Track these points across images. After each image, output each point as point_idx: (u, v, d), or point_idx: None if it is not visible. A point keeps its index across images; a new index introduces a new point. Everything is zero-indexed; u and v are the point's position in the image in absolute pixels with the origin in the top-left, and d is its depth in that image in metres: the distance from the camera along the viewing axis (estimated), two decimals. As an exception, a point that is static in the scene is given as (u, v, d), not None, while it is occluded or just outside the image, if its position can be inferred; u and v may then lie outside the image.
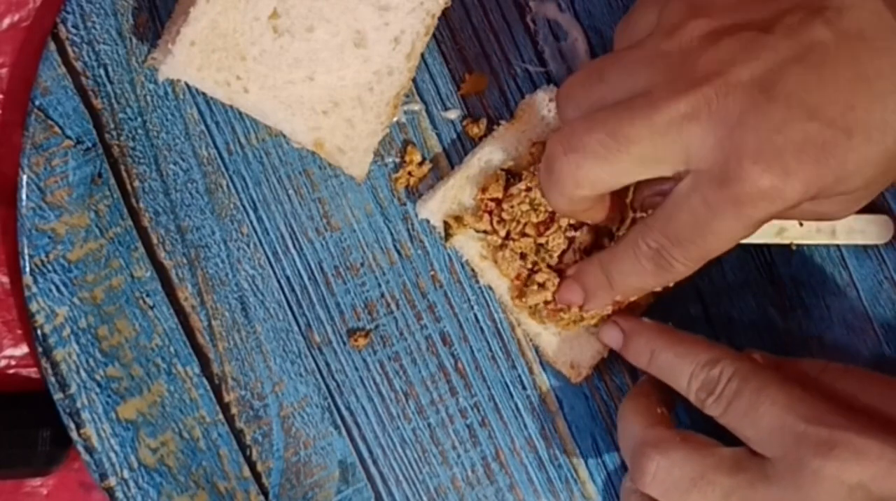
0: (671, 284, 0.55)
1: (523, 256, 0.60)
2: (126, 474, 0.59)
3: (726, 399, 0.53)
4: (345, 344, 0.61)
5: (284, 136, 0.59)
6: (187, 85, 0.59)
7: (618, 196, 0.56)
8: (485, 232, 0.60)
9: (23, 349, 0.61)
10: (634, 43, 0.52)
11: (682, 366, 0.55)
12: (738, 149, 0.48)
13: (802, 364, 0.57)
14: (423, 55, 0.60)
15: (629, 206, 0.57)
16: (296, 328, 0.61)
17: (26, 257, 0.58)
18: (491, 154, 0.60)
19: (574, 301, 0.58)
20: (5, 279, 0.61)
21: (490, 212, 0.59)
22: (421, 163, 0.61)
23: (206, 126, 0.60)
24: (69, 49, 0.58)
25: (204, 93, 0.59)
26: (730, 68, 0.48)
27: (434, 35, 0.60)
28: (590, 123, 0.51)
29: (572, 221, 0.59)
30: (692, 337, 0.57)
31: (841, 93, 0.48)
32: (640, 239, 0.53)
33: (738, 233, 0.50)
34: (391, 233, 0.61)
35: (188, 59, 0.55)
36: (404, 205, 0.61)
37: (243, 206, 0.60)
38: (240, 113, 0.59)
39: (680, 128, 0.49)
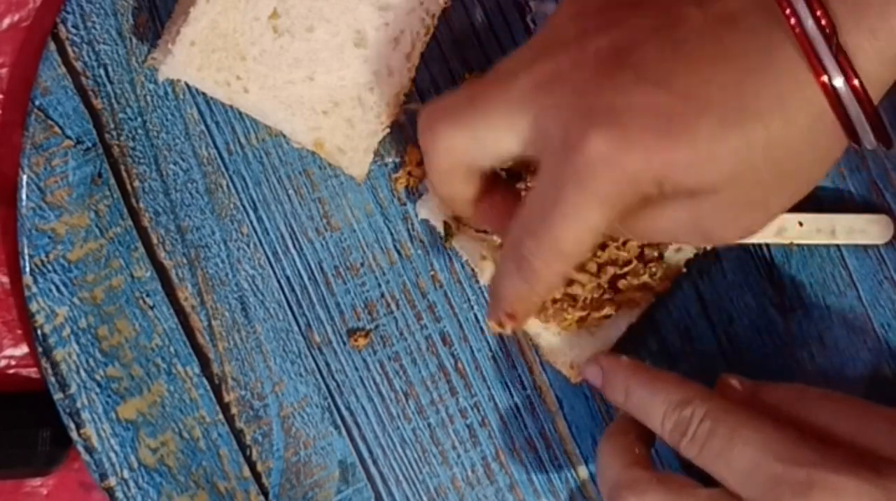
0: (544, 291, 0.50)
1: (523, 256, 0.60)
2: (126, 474, 0.59)
3: (699, 440, 0.50)
4: (345, 344, 0.61)
5: (284, 136, 0.59)
6: (187, 85, 0.59)
7: (512, 196, 0.53)
8: (484, 232, 0.60)
9: (23, 349, 0.61)
10: None
11: (655, 406, 0.53)
12: (581, 115, 0.45)
13: (779, 390, 0.55)
14: (423, 55, 0.60)
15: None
16: (296, 328, 0.61)
17: (26, 257, 0.58)
18: (491, 154, 0.60)
19: (491, 318, 0.53)
20: (5, 279, 0.61)
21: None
22: (421, 163, 0.61)
23: (206, 126, 0.60)
24: (69, 49, 0.58)
25: (204, 93, 0.59)
26: (588, 36, 0.46)
27: (434, 35, 0.60)
28: (458, 90, 0.50)
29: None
30: (666, 376, 0.54)
31: (699, 68, 0.45)
32: (506, 238, 0.50)
33: (586, 217, 0.46)
34: (391, 233, 0.61)
35: (188, 59, 0.55)
36: (404, 205, 0.61)
37: (243, 206, 0.60)
38: (240, 113, 0.59)
39: (533, 93, 0.47)
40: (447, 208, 0.57)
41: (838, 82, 0.44)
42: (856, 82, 0.44)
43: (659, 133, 0.44)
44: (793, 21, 0.44)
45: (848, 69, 0.44)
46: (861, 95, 0.44)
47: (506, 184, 0.55)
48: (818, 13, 0.44)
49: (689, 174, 0.45)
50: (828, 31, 0.44)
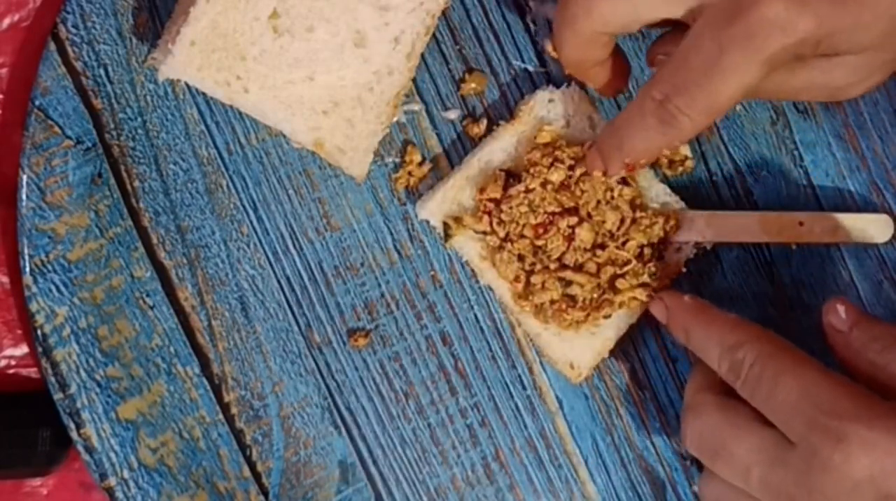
0: (678, 144, 0.53)
1: (521, 258, 0.60)
2: (126, 474, 0.59)
3: (750, 383, 0.52)
4: (345, 344, 0.61)
5: (284, 136, 0.59)
6: (187, 85, 0.59)
7: (620, 62, 0.56)
8: (484, 232, 0.60)
9: (23, 349, 0.61)
10: None
11: (711, 349, 0.54)
12: None
13: (875, 327, 0.55)
14: (423, 55, 0.60)
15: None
16: (296, 328, 0.61)
17: (26, 257, 0.58)
18: (491, 154, 0.60)
19: (595, 167, 0.57)
20: (5, 279, 0.61)
21: (489, 213, 0.59)
22: (421, 163, 0.61)
23: (206, 126, 0.60)
24: (69, 49, 0.58)
25: (204, 93, 0.59)
26: None
27: (434, 35, 0.61)
28: None
29: (572, 222, 0.59)
30: (722, 318, 0.55)
31: None
32: (647, 92, 0.51)
33: (746, 74, 0.49)
34: (391, 233, 0.61)
35: (188, 59, 0.55)
36: (404, 205, 0.61)
37: (243, 206, 0.60)
38: (240, 113, 0.59)
39: None
40: (575, 72, 0.57)
41: None
42: None
43: None
44: None
45: None
46: None
47: (618, 49, 0.56)
48: None
49: (850, 37, 0.48)
50: None
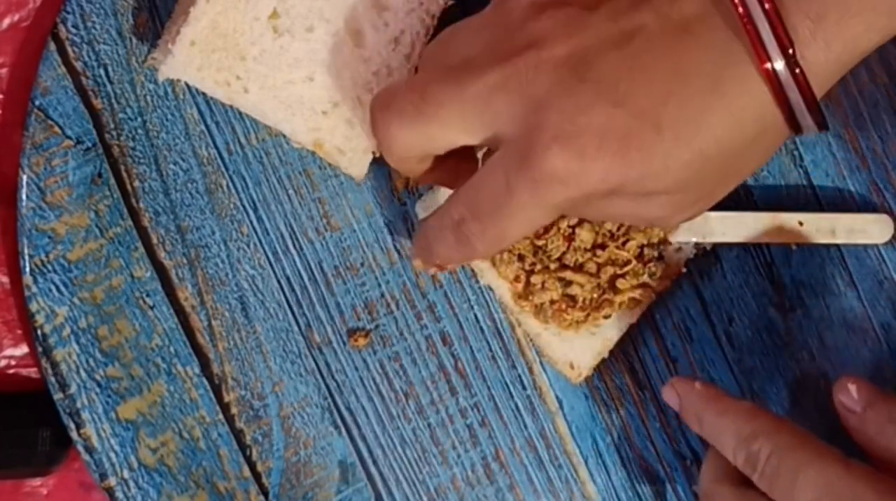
0: (477, 259, 0.53)
1: (521, 258, 0.60)
2: (126, 474, 0.59)
3: (767, 476, 0.51)
4: (345, 344, 0.61)
5: (284, 136, 0.59)
6: (187, 85, 0.59)
7: (464, 157, 0.54)
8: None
9: (23, 349, 0.61)
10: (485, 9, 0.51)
11: (726, 437, 0.53)
12: (539, 126, 0.46)
13: (892, 404, 0.54)
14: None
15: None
16: (296, 328, 0.61)
17: (26, 257, 0.58)
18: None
19: (413, 257, 0.55)
20: (5, 279, 0.61)
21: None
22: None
23: (206, 126, 0.60)
24: (69, 49, 0.58)
25: (204, 93, 0.59)
26: (546, 43, 0.46)
27: (434, 35, 0.60)
28: (409, 83, 0.50)
29: (572, 222, 0.59)
30: (736, 406, 0.54)
31: (656, 85, 0.46)
32: (447, 209, 0.51)
33: (534, 217, 0.48)
34: (391, 233, 0.61)
35: (188, 59, 0.55)
36: (404, 205, 0.61)
37: (243, 206, 0.60)
38: (240, 113, 0.59)
39: (488, 98, 0.47)
40: (403, 173, 0.57)
41: (779, 65, 0.45)
42: (797, 70, 0.45)
43: (617, 153, 0.45)
44: (740, 10, 0.45)
45: (789, 52, 0.45)
46: (801, 80, 0.45)
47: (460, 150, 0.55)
48: None
49: (642, 185, 0.47)
50: (770, 13, 0.44)
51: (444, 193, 0.60)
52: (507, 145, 0.48)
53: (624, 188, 0.47)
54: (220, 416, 0.60)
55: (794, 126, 0.47)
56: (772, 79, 0.45)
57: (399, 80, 0.52)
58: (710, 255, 0.63)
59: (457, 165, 0.54)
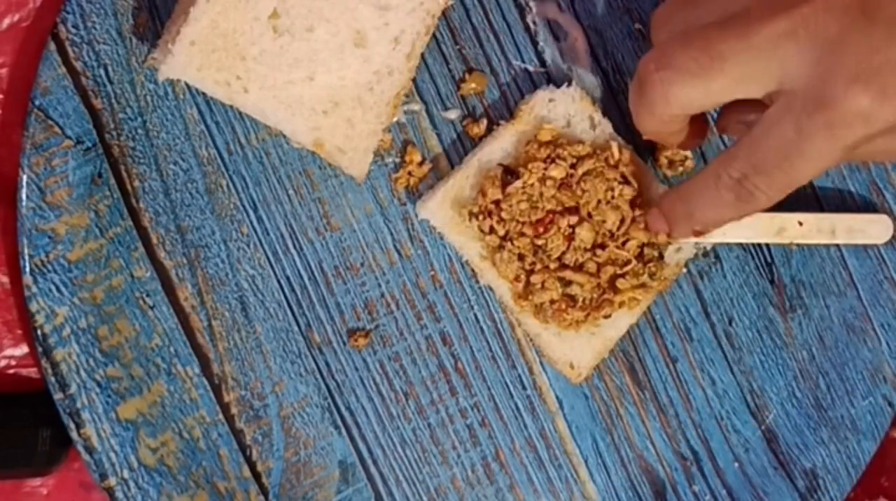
0: (750, 214, 0.54)
1: (521, 257, 0.60)
2: (126, 474, 0.59)
3: None
4: (345, 344, 0.61)
5: (284, 136, 0.59)
6: (187, 85, 0.59)
7: (699, 121, 0.56)
8: (483, 232, 0.60)
9: (23, 349, 0.61)
10: None
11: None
12: (835, 68, 0.47)
13: None
14: (423, 55, 0.60)
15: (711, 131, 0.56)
16: (296, 328, 0.61)
17: (26, 257, 0.58)
18: (491, 154, 0.60)
19: (659, 229, 0.58)
20: (5, 279, 0.61)
21: (489, 214, 0.59)
22: (421, 163, 0.61)
23: (206, 126, 0.60)
24: (69, 49, 0.58)
25: (204, 93, 0.59)
26: None
27: (434, 35, 0.61)
28: (683, 41, 0.50)
29: (572, 222, 0.59)
30: None
31: None
32: (723, 169, 0.52)
33: (826, 159, 0.49)
34: (391, 233, 0.61)
35: (188, 59, 0.55)
36: (404, 205, 0.61)
37: (243, 206, 0.60)
38: (240, 113, 0.59)
39: (776, 46, 0.48)
40: (652, 138, 0.57)
41: None
42: None
43: None
44: None
45: None
46: None
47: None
48: None
49: None
50: None
51: (444, 193, 0.60)
52: (791, 93, 0.49)
53: None
54: (220, 416, 0.60)
55: None
56: None
57: (663, 42, 0.52)
58: (710, 255, 0.63)
59: (697, 129, 0.56)
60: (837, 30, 0.47)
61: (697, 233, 0.57)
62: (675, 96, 0.51)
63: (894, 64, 0.47)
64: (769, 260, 0.63)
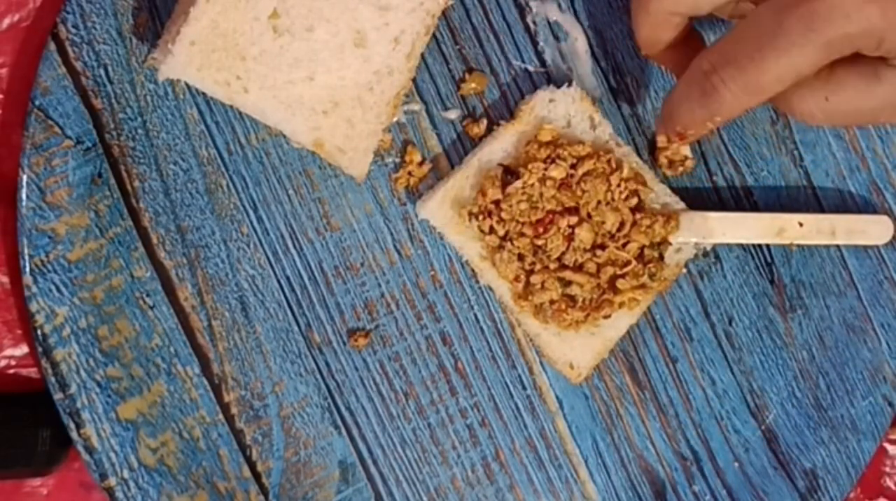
0: (720, 121, 0.52)
1: (521, 257, 0.60)
2: (126, 474, 0.59)
3: None
4: (345, 344, 0.61)
5: (284, 136, 0.59)
6: (187, 85, 0.59)
7: (691, 50, 0.55)
8: (483, 232, 0.60)
9: (23, 349, 0.61)
10: None
11: None
12: None
13: None
14: (423, 55, 0.60)
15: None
16: (296, 328, 0.61)
17: (26, 257, 0.58)
18: (491, 154, 0.60)
19: (657, 132, 0.57)
20: (5, 279, 0.61)
21: (489, 214, 0.59)
22: (421, 163, 0.61)
23: (206, 126, 0.60)
24: (69, 49, 0.58)
25: (204, 93, 0.59)
26: None
27: (434, 35, 0.60)
28: None
29: (572, 222, 0.59)
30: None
31: None
32: (697, 62, 0.51)
33: (799, 56, 0.48)
34: (391, 233, 0.61)
35: (188, 59, 0.55)
36: (404, 205, 0.61)
37: (243, 206, 0.60)
38: (240, 113, 0.59)
39: None
40: (651, 53, 0.57)
41: None
42: None
43: None
44: None
45: None
46: None
47: (690, 34, 0.56)
48: None
49: None
50: None
51: (444, 193, 0.60)
52: None
53: (891, 39, 0.47)
54: (220, 416, 0.60)
55: None
56: None
57: None
58: (710, 255, 0.63)
59: (689, 49, 0.54)
60: None
61: (681, 136, 0.54)
62: None
63: None
64: (769, 260, 0.63)
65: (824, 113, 0.52)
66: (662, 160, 0.62)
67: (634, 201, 0.59)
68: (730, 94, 0.50)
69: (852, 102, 0.51)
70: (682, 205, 0.61)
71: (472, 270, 0.61)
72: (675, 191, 0.61)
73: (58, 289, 0.58)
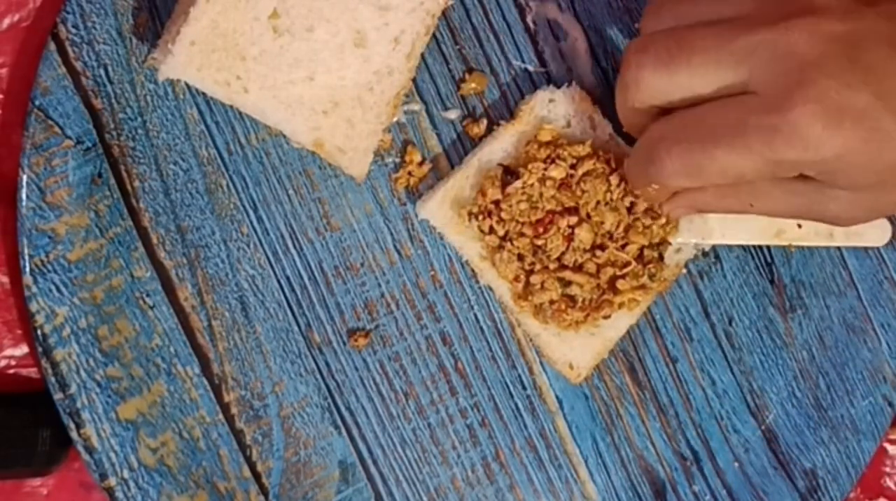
0: (656, 187, 0.54)
1: (521, 257, 0.60)
2: (126, 474, 0.59)
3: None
4: (345, 344, 0.61)
5: (284, 136, 0.59)
6: (187, 85, 0.59)
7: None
8: (482, 232, 0.60)
9: (23, 349, 0.61)
10: None
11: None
12: (803, 86, 0.48)
13: None
14: (423, 55, 0.60)
15: None
16: (296, 328, 0.61)
17: (26, 257, 0.58)
18: (491, 154, 0.60)
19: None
20: (5, 279, 0.61)
21: (489, 214, 0.59)
22: (421, 163, 0.61)
23: (206, 126, 0.60)
24: (69, 49, 0.58)
25: (204, 93, 0.59)
26: (825, 15, 0.49)
27: (434, 35, 0.60)
28: (666, 33, 0.52)
29: (571, 222, 0.59)
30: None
31: None
32: (655, 125, 0.53)
33: (747, 162, 0.49)
34: (391, 233, 0.61)
35: (188, 59, 0.55)
36: (404, 205, 0.61)
37: (243, 206, 0.60)
38: (240, 113, 0.59)
39: (753, 51, 0.49)
40: (631, 132, 0.57)
41: None
42: None
43: (863, 137, 0.48)
44: None
45: None
46: None
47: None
48: None
49: (858, 173, 0.49)
50: None
51: (444, 193, 0.60)
52: (752, 93, 0.49)
53: (846, 170, 0.49)
54: (220, 416, 0.60)
55: None
56: None
57: (657, 30, 0.53)
58: (710, 255, 0.63)
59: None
60: (817, 55, 0.48)
61: (642, 188, 0.57)
62: (644, 81, 0.52)
63: (858, 109, 0.47)
64: (769, 260, 0.63)
65: (743, 209, 0.55)
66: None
67: (634, 201, 0.59)
68: (671, 167, 0.52)
69: (768, 208, 0.54)
70: (682, 205, 0.61)
71: (472, 270, 0.61)
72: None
73: (58, 289, 0.58)
